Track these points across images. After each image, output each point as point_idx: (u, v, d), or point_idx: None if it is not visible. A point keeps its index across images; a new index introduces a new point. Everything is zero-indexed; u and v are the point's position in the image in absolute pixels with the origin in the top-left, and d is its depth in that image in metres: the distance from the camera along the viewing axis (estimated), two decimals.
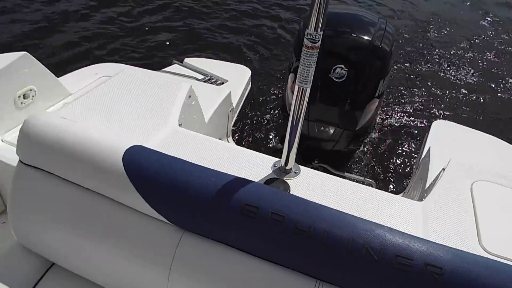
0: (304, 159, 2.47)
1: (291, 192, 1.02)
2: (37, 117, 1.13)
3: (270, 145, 3.38)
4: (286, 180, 1.06)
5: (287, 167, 1.08)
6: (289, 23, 5.90)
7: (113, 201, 1.04)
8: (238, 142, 3.32)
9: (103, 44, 4.75)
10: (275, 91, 4.15)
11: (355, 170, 3.13)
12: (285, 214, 0.87)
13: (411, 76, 4.80)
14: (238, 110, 2.64)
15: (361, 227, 0.84)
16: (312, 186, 1.06)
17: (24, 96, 1.71)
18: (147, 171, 0.96)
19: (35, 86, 1.75)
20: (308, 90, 0.95)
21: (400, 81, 4.64)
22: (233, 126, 2.61)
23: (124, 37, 4.97)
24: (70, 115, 1.23)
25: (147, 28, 5.27)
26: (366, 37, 2.02)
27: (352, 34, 2.04)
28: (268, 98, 4.05)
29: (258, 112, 3.82)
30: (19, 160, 1.17)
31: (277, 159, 1.15)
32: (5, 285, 1.12)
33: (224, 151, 1.16)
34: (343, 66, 1.96)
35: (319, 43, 0.89)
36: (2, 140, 1.65)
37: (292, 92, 2.15)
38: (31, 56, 1.71)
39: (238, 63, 3.60)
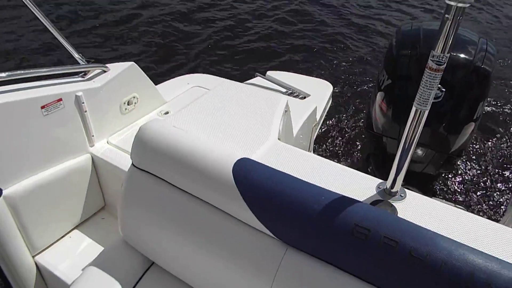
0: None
1: (399, 215, 0.99)
2: (151, 125, 1.20)
3: (349, 160, 3.31)
4: (392, 203, 1.03)
5: (393, 190, 1.04)
6: (372, 37, 5.79)
7: (219, 210, 1.07)
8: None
9: (190, 57, 4.99)
10: (357, 107, 4.08)
11: (440, 195, 2.95)
12: (399, 240, 0.83)
13: (507, 98, 4.46)
14: (320, 125, 2.63)
15: (483, 264, 0.78)
16: (420, 211, 1.01)
17: (128, 103, 1.85)
18: (256, 184, 0.98)
19: (138, 93, 1.89)
20: (427, 112, 0.91)
21: (497, 102, 4.34)
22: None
23: (208, 49, 5.19)
24: (178, 124, 1.30)
25: (225, 41, 5.46)
26: (466, 57, 1.90)
27: (451, 53, 1.94)
28: (349, 114, 3.98)
29: (338, 128, 3.77)
30: (132, 163, 1.25)
31: (380, 180, 1.12)
32: (111, 278, 1.20)
33: (325, 167, 1.15)
34: (440, 86, 1.87)
35: (445, 65, 0.86)
36: (107, 142, 1.79)
37: (382, 110, 2.09)
38: (137, 66, 1.85)
39: (319, 77, 3.60)
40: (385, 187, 1.06)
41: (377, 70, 4.75)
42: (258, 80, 2.84)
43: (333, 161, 1.20)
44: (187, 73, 2.69)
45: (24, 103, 1.39)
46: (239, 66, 4.89)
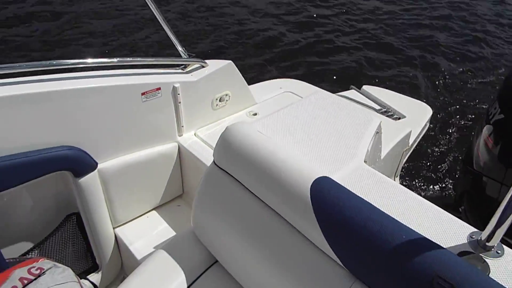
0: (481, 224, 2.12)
1: (491, 276, 0.86)
2: (236, 127, 1.21)
3: (437, 193, 3.05)
4: (484, 259, 0.90)
5: (488, 243, 0.91)
6: (481, 62, 5.28)
7: (290, 224, 1.04)
8: (405, 184, 3.09)
9: (285, 61, 5.02)
10: (456, 137, 3.74)
11: None
12: None
13: None
14: (412, 150, 2.45)
15: None
16: None
17: (220, 99, 1.90)
18: (333, 207, 0.93)
19: (231, 91, 1.93)
20: None
21: None
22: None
23: (304, 55, 5.17)
24: (263, 130, 1.29)
25: (326, 50, 5.38)
26: None
27: None
28: (446, 143, 3.67)
29: (431, 156, 3.49)
30: (213, 161, 1.28)
31: (474, 228, 0.99)
32: (177, 266, 1.23)
33: (411, 202, 1.06)
34: None
35: None
36: (195, 134, 1.86)
37: (487, 145, 1.88)
38: (234, 65, 1.89)
39: (418, 99, 3.37)
40: (479, 238, 0.94)
41: (486, 101, 4.31)
42: (352, 93, 2.74)
43: (419, 192, 1.10)
44: (280, 77, 2.69)
45: (127, 88, 1.50)
46: (334, 75, 4.80)
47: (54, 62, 1.33)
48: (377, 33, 5.93)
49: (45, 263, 1.35)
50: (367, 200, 0.96)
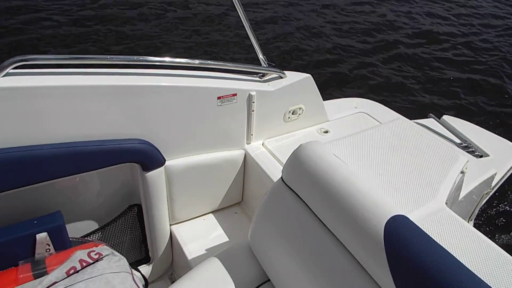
0: None
1: None
2: (311, 146, 1.16)
3: None
4: None
5: None
6: None
7: (355, 259, 0.96)
8: (478, 226, 2.83)
9: (362, 80, 4.88)
10: None
11: None
12: None
13: None
14: (492, 193, 2.23)
15: None
16: None
17: (293, 112, 1.85)
18: (407, 250, 0.84)
19: (305, 105, 1.88)
20: None
21: None
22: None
23: (382, 76, 4.98)
24: (337, 152, 1.22)
25: (407, 72, 5.14)
26: None
27: None
28: None
29: None
30: (281, 178, 1.23)
31: None
32: (229, 278, 1.20)
33: (496, 258, 0.93)
34: None
35: None
36: (262, 144, 1.83)
37: None
38: (313, 79, 1.84)
39: (505, 137, 3.07)
40: None
41: None
42: (430, 122, 2.56)
43: (494, 240, 0.97)
44: (354, 96, 2.59)
45: (205, 91, 1.51)
46: (411, 97, 4.55)
47: (135, 57, 1.37)
48: (468, 58, 5.56)
49: (104, 249, 1.39)
50: (446, 249, 0.86)
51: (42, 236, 1.32)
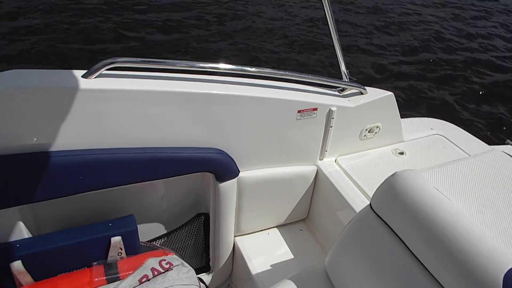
0: None
1: None
2: (408, 175, 1.07)
3: None
4: None
5: None
6: None
7: None
8: None
9: (437, 99, 4.66)
10: None
11: None
12: None
13: None
14: None
15: None
16: None
17: (370, 130, 1.76)
18: None
19: (382, 124, 1.78)
20: None
21: None
22: None
23: (458, 96, 4.73)
24: (432, 182, 1.12)
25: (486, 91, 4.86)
26: None
27: None
28: None
29: None
30: (370, 205, 1.15)
31: None
32: None
33: None
34: None
35: None
36: (335, 161, 1.75)
37: None
38: (394, 98, 1.74)
39: None
40: None
41: None
42: (508, 148, 2.37)
43: None
44: (430, 117, 2.44)
45: (286, 103, 1.45)
46: (488, 122, 4.27)
47: (213, 65, 1.33)
48: None
49: (174, 258, 1.36)
50: None
51: (116, 240, 1.31)
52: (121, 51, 4.86)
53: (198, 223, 1.65)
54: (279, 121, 1.49)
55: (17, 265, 1.20)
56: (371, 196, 1.57)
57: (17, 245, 1.23)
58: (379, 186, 1.13)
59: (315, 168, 1.70)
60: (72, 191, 1.23)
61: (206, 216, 1.63)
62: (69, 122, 1.15)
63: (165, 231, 1.62)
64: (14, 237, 1.27)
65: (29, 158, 1.14)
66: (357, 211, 1.51)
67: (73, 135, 1.18)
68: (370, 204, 1.15)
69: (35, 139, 1.14)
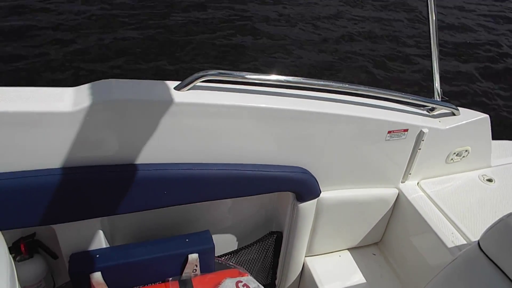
0: None
1: None
2: None
3: None
4: None
5: None
6: None
7: None
8: None
9: None
10: None
11: None
12: None
13: None
14: None
15: None
16: None
17: (458, 154, 1.62)
18: None
19: (471, 148, 1.63)
20: None
21: None
22: None
23: None
24: None
25: None
26: None
27: None
28: None
29: None
30: (478, 243, 1.04)
31: None
32: None
33: None
34: None
35: None
36: (417, 184, 1.62)
37: None
38: (489, 121, 1.59)
39: None
40: None
41: None
42: None
43: None
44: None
45: (377, 123, 1.35)
46: None
47: (301, 80, 1.26)
48: None
49: (250, 280, 1.30)
50: None
51: (193, 257, 1.27)
52: (209, 63, 4.69)
53: (270, 241, 1.58)
54: (367, 141, 1.39)
55: (97, 277, 1.18)
56: (459, 225, 1.44)
57: (97, 256, 1.21)
58: (492, 226, 1.01)
59: (396, 191, 1.58)
60: (155, 205, 1.19)
61: (279, 234, 1.56)
62: (156, 135, 1.12)
63: (236, 247, 1.57)
64: (93, 247, 1.26)
65: (115, 170, 1.11)
66: (443, 239, 1.39)
67: (160, 149, 1.14)
68: (478, 243, 1.04)
69: (122, 151, 1.11)
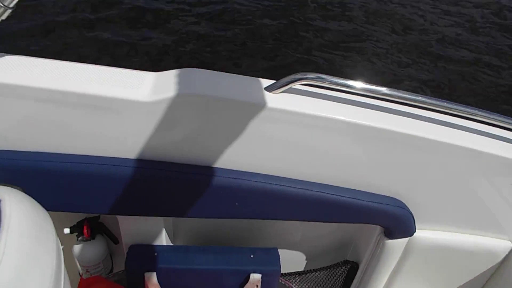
0: None
1: None
2: None
3: None
4: None
5: None
6: None
7: None
8: None
9: None
10: None
11: None
12: None
13: None
14: None
15: None
16: None
17: None
18: None
19: None
20: None
21: None
22: None
23: None
24: None
25: None
26: None
27: None
28: None
29: None
30: None
31: None
32: None
33: None
34: None
35: None
36: None
37: None
38: None
39: None
40: None
41: None
42: None
43: None
44: None
45: (505, 163, 1.08)
46: None
47: (412, 97, 1.02)
48: None
49: None
50: None
51: (255, 278, 1.13)
52: (305, 64, 4.23)
53: (342, 270, 1.39)
54: (487, 181, 1.12)
55: (152, 277, 1.10)
56: None
57: (156, 254, 1.13)
58: None
59: (510, 245, 1.29)
60: (224, 215, 1.07)
61: (355, 265, 1.37)
62: (238, 139, 0.98)
63: (302, 268, 1.41)
64: (153, 242, 1.18)
65: (188, 170, 1.00)
66: None
67: (239, 154, 1.00)
68: None
69: (198, 151, 0.99)
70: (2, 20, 0.85)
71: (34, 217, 0.73)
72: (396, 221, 1.13)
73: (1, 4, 0.82)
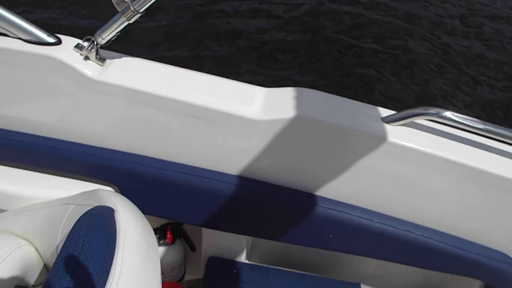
0: None
1: None
2: None
3: None
4: None
5: None
6: None
7: None
8: None
9: None
10: None
11: None
12: None
13: None
14: None
15: None
16: None
17: None
18: None
19: None
20: None
21: None
22: None
23: None
24: None
25: None
26: None
27: None
28: None
29: None
30: None
31: None
32: None
33: None
34: None
35: None
36: None
37: None
38: None
39: None
40: None
41: None
42: None
43: None
44: None
45: None
46: None
47: None
48: None
49: None
50: None
51: None
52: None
53: None
54: None
55: None
56: None
57: (235, 271, 1.10)
58: None
59: None
60: (314, 244, 1.01)
61: None
62: (344, 169, 0.92)
63: None
64: (232, 257, 1.16)
65: (285, 193, 0.96)
66: None
67: (342, 185, 0.95)
68: None
69: (299, 175, 0.95)
70: (129, 23, 0.86)
71: (143, 232, 0.72)
72: (500, 278, 1.01)
73: (132, 9, 0.82)
